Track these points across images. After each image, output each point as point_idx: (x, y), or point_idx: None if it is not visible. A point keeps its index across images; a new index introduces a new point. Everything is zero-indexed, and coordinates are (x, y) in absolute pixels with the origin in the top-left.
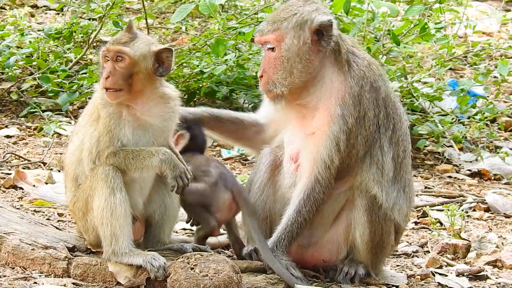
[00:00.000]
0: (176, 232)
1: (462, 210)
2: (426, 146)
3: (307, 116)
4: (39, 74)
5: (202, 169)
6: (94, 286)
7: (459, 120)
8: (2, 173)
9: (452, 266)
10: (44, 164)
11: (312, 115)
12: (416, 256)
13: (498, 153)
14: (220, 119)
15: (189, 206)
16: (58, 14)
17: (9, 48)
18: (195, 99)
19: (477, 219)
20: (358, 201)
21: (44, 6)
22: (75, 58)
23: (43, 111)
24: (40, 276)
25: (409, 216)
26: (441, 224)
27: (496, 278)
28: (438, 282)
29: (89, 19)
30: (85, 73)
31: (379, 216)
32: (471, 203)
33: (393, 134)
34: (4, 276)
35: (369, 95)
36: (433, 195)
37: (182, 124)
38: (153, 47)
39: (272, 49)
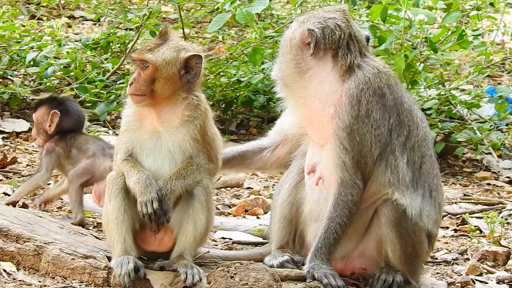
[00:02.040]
0: (215, 241)
1: (502, 217)
2: (464, 154)
3: (314, 121)
4: (77, 84)
5: (82, 148)
6: None
7: (497, 127)
8: None
9: (492, 274)
10: None
11: (317, 120)
12: (456, 263)
13: None
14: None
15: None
16: (95, 24)
17: (47, 59)
18: (232, 108)
19: None
20: (384, 218)
21: (81, 16)
22: (113, 68)
23: None
24: (80, 285)
25: (440, 221)
26: (481, 231)
27: None
28: None
29: (126, 29)
30: (123, 83)
31: (407, 228)
32: (510, 210)
33: (407, 140)
34: (45, 285)
35: (372, 98)
36: (472, 203)
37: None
38: (181, 54)
39: None
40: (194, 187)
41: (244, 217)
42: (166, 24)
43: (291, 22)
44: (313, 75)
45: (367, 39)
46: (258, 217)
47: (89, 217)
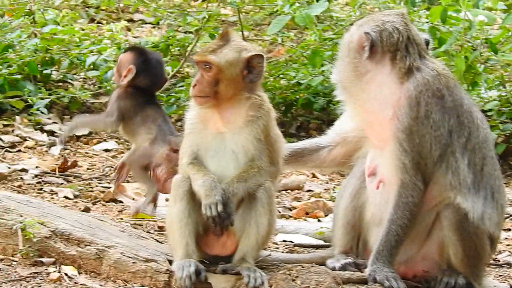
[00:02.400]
0: (276, 244)
1: None
2: None
3: (373, 124)
4: None
5: (146, 122)
6: None
7: None
8: (102, 187)
9: None
10: None
11: (376, 122)
12: None
13: None
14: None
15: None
16: (154, 27)
17: (107, 62)
18: (292, 111)
19: None
20: (446, 221)
21: (140, 20)
22: (172, 71)
23: None
24: None
25: (502, 223)
26: None
27: None
28: None
29: (185, 32)
30: (182, 86)
31: (469, 232)
32: None
33: (468, 142)
34: None
35: (431, 99)
36: None
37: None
38: (243, 54)
39: None
40: (256, 190)
41: (305, 219)
42: (225, 27)
43: (350, 24)
44: (371, 78)
45: (427, 43)
46: (319, 220)
47: (150, 220)
